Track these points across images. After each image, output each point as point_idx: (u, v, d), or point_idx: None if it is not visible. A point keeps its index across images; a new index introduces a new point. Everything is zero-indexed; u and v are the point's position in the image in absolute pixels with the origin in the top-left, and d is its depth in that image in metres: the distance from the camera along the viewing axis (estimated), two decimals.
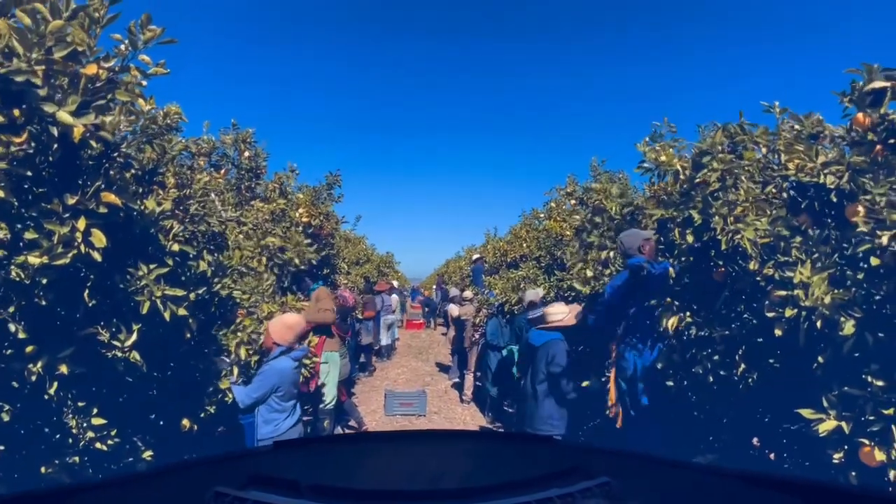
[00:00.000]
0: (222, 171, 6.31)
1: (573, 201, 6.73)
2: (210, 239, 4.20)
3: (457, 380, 8.88)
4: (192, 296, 2.97)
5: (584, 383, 4.05)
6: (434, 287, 22.10)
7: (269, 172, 6.89)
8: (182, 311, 2.77)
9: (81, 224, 2.22)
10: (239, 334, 3.85)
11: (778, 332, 2.27)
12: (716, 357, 2.71)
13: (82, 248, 2.22)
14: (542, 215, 7.80)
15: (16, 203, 2.13)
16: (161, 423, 3.31)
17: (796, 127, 3.25)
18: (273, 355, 3.79)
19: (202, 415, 3.56)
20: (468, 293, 8.49)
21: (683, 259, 2.99)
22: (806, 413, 2.15)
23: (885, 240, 1.98)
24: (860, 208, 2.66)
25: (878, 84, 2.22)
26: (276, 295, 4.41)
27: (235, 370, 3.76)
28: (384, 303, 11.04)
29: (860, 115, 2.75)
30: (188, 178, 4.11)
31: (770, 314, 2.30)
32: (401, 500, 0.95)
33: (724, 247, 2.56)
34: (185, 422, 3.39)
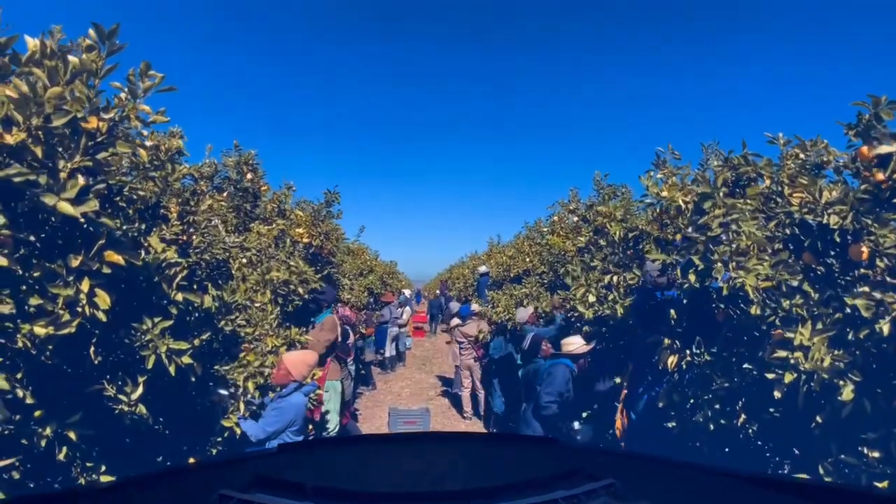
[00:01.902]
0: (224, 194, 6.30)
1: (576, 218, 6.70)
2: (214, 268, 4.20)
3: (458, 392, 8.88)
4: (196, 342, 2.97)
5: (584, 414, 4.06)
6: (438, 292, 22.12)
7: (270, 190, 6.87)
8: (187, 360, 2.77)
9: (85, 286, 2.22)
10: (244, 369, 3.85)
11: (777, 395, 2.26)
12: (716, 405, 2.71)
13: (87, 309, 2.22)
14: (545, 229, 7.79)
15: (20, 270, 2.13)
16: (168, 463, 3.32)
17: (801, 155, 3.23)
18: (288, 391, 3.81)
19: (210, 451, 3.56)
20: (475, 306, 8.46)
21: (685, 300, 2.98)
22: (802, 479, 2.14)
23: (885, 329, 1.96)
24: (864, 248, 2.65)
25: (884, 149, 2.20)
26: (281, 328, 4.41)
27: (242, 404, 3.77)
28: (391, 314, 11.01)
29: (864, 149, 2.74)
30: (191, 206, 4.11)
31: (770, 375, 2.29)
32: (405, 503, 0.95)
33: (725, 292, 2.56)
34: (192, 461, 3.40)
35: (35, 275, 2.19)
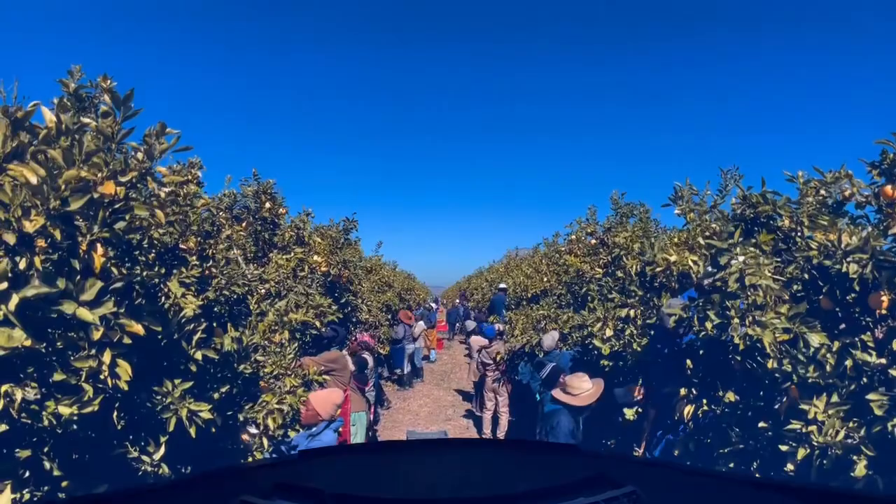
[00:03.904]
0: (244, 224, 6.35)
1: (594, 241, 6.65)
2: (234, 303, 4.22)
3: (479, 414, 8.83)
4: (216, 395, 3.00)
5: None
6: (457, 301, 22.15)
7: (288, 214, 6.92)
8: (206, 416, 2.80)
9: (107, 357, 2.26)
10: (262, 408, 3.88)
11: (790, 467, 2.23)
12: (731, 464, 2.68)
13: (109, 381, 2.27)
14: (563, 248, 7.75)
15: (43, 347, 2.18)
16: None
17: (822, 191, 3.16)
18: (318, 429, 3.89)
19: None
20: (499, 326, 8.42)
21: (702, 351, 2.95)
22: None
23: None
24: (884, 297, 2.60)
25: None
26: (299, 366, 4.45)
27: (265, 441, 3.80)
28: (405, 332, 11.02)
29: (888, 188, 2.69)
30: (210, 242, 4.15)
31: (783, 448, 2.26)
32: None
33: (741, 347, 2.53)
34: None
35: (58, 346, 2.25)
